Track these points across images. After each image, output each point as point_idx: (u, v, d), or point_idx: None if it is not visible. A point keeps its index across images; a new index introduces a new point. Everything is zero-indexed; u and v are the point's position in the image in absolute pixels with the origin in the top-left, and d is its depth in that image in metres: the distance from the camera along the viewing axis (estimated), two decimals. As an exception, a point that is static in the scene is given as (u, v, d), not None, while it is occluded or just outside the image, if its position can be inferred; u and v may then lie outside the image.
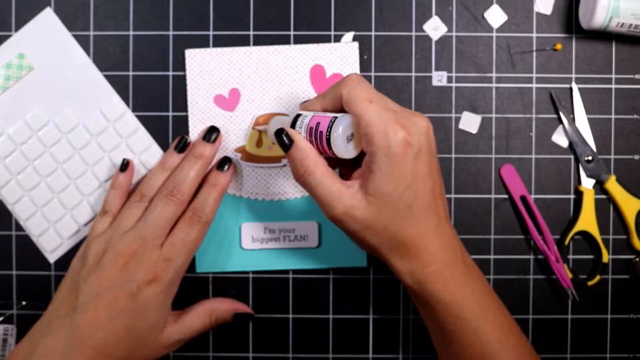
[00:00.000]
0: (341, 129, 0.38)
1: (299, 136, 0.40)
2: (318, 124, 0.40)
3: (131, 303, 0.41)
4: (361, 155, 0.40)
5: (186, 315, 0.46)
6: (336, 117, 0.39)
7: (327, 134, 0.39)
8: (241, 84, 0.50)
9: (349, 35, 0.49)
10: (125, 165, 0.48)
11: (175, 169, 0.47)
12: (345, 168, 0.43)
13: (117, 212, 0.46)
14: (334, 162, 0.42)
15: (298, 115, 0.42)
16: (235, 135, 0.50)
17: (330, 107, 0.41)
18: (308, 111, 0.42)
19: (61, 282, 0.45)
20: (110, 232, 0.44)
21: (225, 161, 0.47)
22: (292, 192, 0.50)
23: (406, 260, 0.39)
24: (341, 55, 0.49)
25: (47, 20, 0.50)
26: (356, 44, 0.49)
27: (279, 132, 0.40)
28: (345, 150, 0.39)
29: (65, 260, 0.50)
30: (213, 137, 0.47)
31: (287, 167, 0.49)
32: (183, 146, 0.48)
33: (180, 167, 0.46)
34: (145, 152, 0.50)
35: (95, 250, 0.43)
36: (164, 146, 0.50)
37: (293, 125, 0.41)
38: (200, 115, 0.50)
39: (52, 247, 0.50)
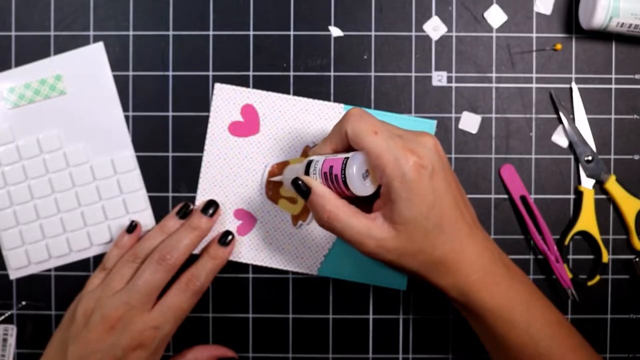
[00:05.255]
0: (355, 168, 0.38)
1: (316, 182, 0.40)
2: (331, 167, 0.39)
3: None
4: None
5: None
6: (347, 158, 0.38)
7: (343, 176, 0.38)
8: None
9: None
10: (132, 228, 0.48)
11: (172, 233, 0.47)
12: (362, 202, 0.43)
13: None
14: (352, 200, 0.42)
15: (310, 162, 0.41)
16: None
17: (339, 147, 0.41)
18: (319, 155, 0.41)
19: (53, 334, 0.45)
20: (100, 291, 0.44)
21: (227, 235, 0.48)
22: None
23: (447, 276, 0.39)
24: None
25: (96, 53, 0.50)
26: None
27: (295, 182, 0.40)
28: (363, 188, 0.39)
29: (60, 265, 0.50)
30: (211, 211, 0.47)
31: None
32: (184, 214, 0.48)
33: (176, 233, 0.46)
34: (138, 214, 0.50)
35: (84, 307, 0.44)
36: (164, 147, 0.50)
37: (307, 172, 0.41)
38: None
39: (17, 266, 0.50)
